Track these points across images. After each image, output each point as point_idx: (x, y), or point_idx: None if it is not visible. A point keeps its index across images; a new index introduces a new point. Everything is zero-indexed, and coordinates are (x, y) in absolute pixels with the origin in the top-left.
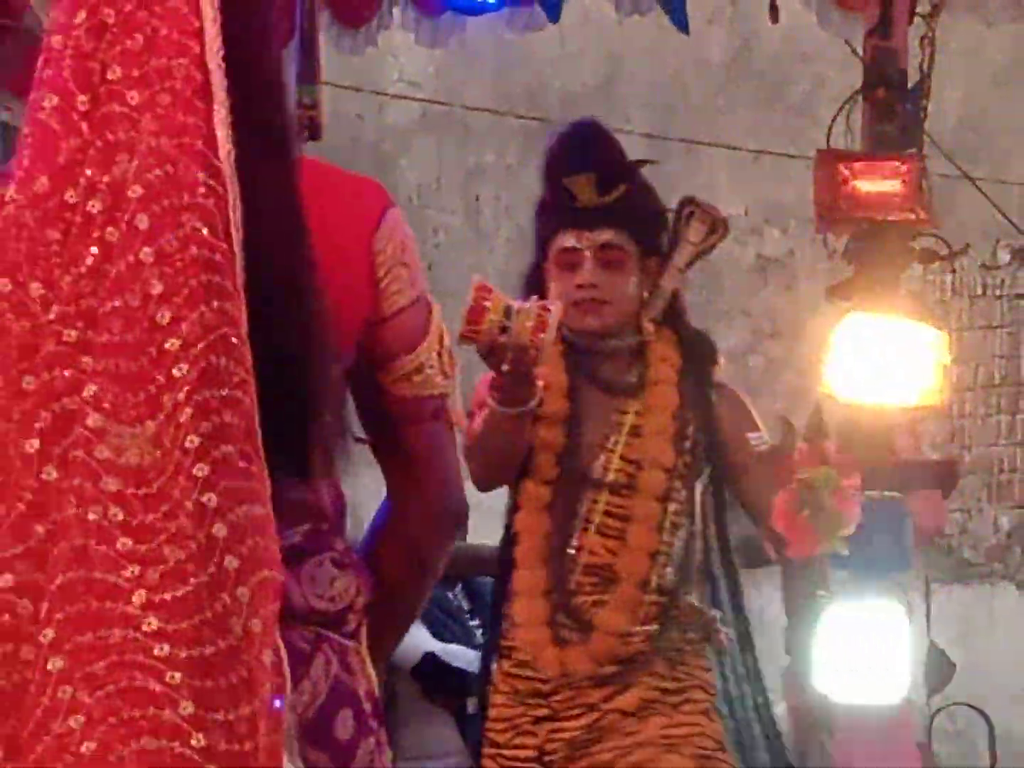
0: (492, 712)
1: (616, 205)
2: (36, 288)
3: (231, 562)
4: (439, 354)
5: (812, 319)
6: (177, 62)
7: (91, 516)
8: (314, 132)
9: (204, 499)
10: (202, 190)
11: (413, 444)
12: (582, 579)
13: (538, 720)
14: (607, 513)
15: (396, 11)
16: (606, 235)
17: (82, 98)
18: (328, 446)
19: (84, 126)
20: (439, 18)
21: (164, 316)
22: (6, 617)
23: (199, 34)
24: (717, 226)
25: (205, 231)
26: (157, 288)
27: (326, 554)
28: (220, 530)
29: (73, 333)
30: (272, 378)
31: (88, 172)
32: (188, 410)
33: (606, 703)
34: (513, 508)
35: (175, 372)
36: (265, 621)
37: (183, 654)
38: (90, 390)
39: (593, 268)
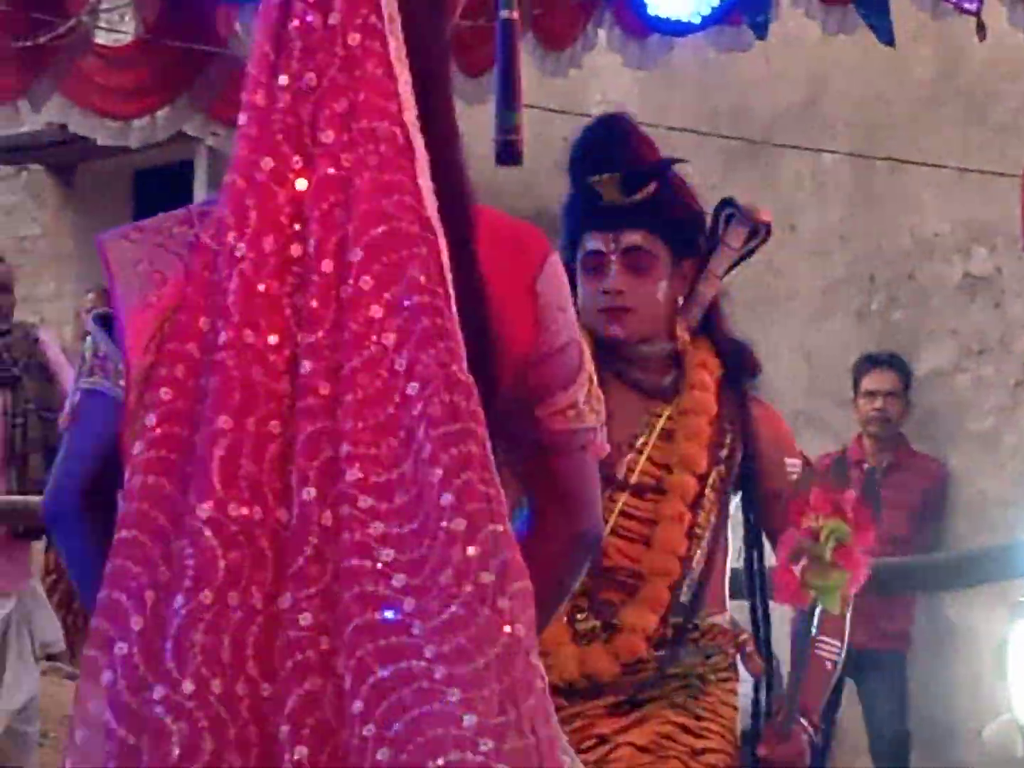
0: None
1: (644, 205)
2: (273, 339)
3: (486, 577)
4: (589, 391)
5: (1020, 337)
6: (380, 124)
7: (366, 563)
8: (515, 158)
9: (453, 525)
10: (417, 242)
11: (563, 472)
12: (601, 580)
13: None
14: (624, 514)
15: (601, 32)
16: (632, 237)
17: (296, 159)
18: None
19: (300, 185)
20: (646, 39)
21: (401, 364)
22: (310, 653)
23: (396, 96)
24: (759, 230)
25: (423, 279)
26: (390, 339)
27: None
28: (472, 551)
29: (327, 388)
30: None
31: (315, 232)
32: (429, 446)
33: (619, 735)
34: None
35: (415, 412)
36: (527, 625)
37: (460, 671)
38: (345, 448)
39: (618, 273)
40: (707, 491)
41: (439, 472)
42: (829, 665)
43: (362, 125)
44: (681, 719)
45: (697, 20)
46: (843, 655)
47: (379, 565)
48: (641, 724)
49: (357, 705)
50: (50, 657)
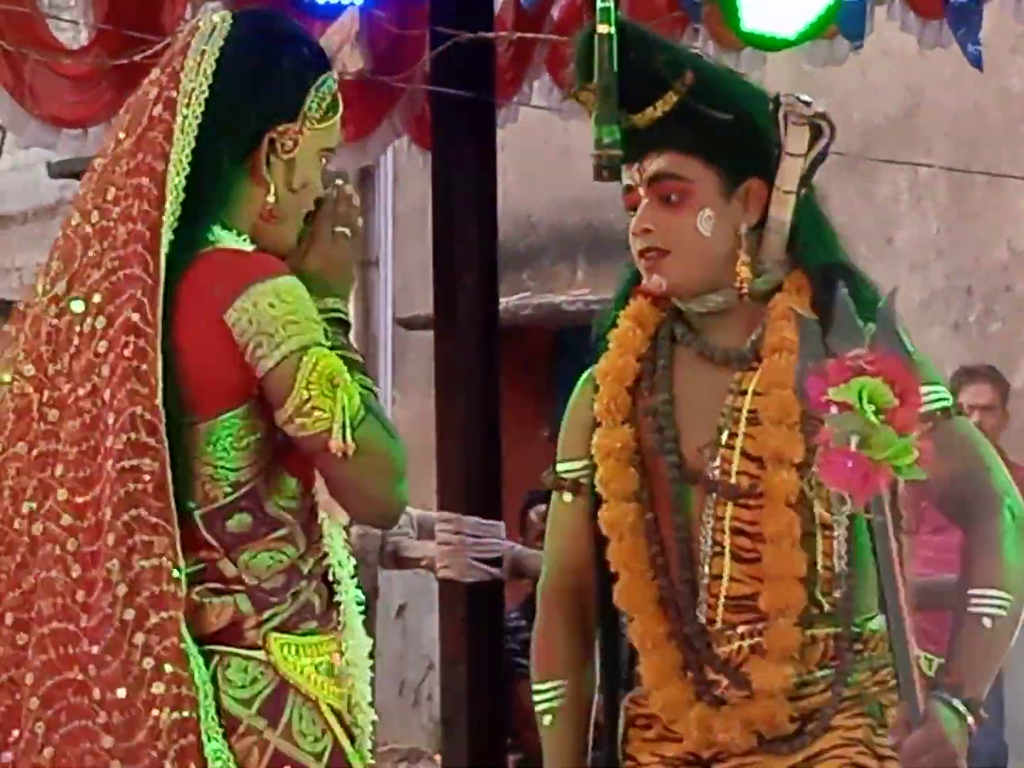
0: None
1: (666, 121)
2: (29, 369)
3: (129, 613)
4: (309, 400)
5: None
6: (143, 180)
7: (61, 576)
8: (614, 173)
9: (110, 564)
10: (139, 286)
11: (322, 471)
12: (729, 616)
13: None
14: (736, 531)
15: (695, 46)
16: (657, 163)
17: (94, 216)
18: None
19: (92, 239)
20: (739, 53)
21: (107, 397)
22: (8, 649)
23: (166, 156)
24: (821, 127)
25: (136, 318)
26: (105, 373)
27: (207, 584)
28: (121, 589)
29: (56, 414)
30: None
31: (77, 276)
32: (114, 475)
33: None
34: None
35: (107, 443)
36: (157, 658)
37: (109, 696)
38: (59, 469)
39: (646, 208)
40: (813, 480)
41: (110, 509)
42: (988, 622)
43: (134, 182)
44: (863, 759)
45: (793, 35)
46: (1013, 608)
47: (69, 580)
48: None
49: (34, 702)
50: None
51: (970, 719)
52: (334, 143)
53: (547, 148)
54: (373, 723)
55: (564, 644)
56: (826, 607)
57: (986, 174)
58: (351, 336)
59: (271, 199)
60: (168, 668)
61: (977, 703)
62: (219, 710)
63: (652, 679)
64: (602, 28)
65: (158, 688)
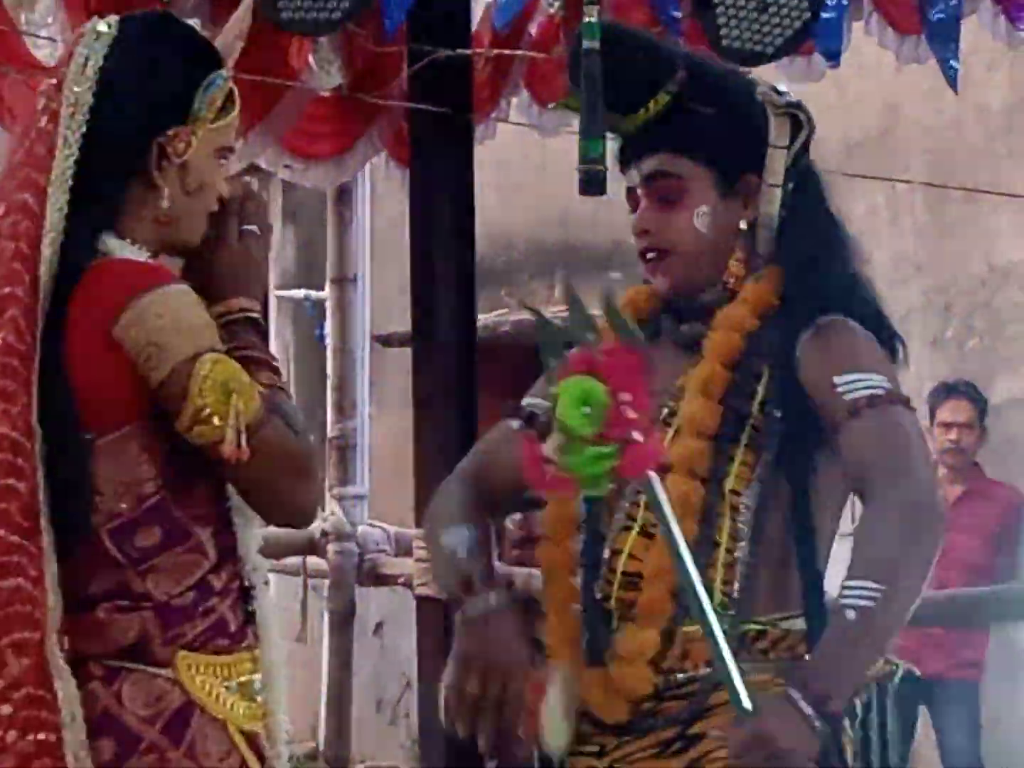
0: None
1: (660, 122)
2: None
3: None
4: (205, 407)
5: None
6: (27, 196)
7: None
8: (599, 187)
9: None
10: (12, 305)
11: (228, 478)
12: (622, 594)
13: None
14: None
15: None
16: (651, 162)
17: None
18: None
19: None
20: None
21: None
22: None
23: (49, 169)
24: (798, 117)
25: (12, 338)
26: None
27: (116, 601)
28: None
29: None
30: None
31: None
32: None
33: None
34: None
35: None
36: (5, 678)
37: None
38: None
39: (645, 209)
40: (729, 456)
41: None
42: (851, 614)
43: (18, 197)
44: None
45: (770, 50)
46: (884, 600)
47: None
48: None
49: None
50: None
51: (817, 722)
52: (232, 142)
53: (525, 165)
54: (288, 732)
55: (461, 500)
56: (717, 595)
57: (964, 189)
58: (331, 353)
59: (165, 204)
60: (22, 690)
61: (831, 698)
62: (121, 727)
63: (550, 643)
64: (587, 44)
65: (6, 710)
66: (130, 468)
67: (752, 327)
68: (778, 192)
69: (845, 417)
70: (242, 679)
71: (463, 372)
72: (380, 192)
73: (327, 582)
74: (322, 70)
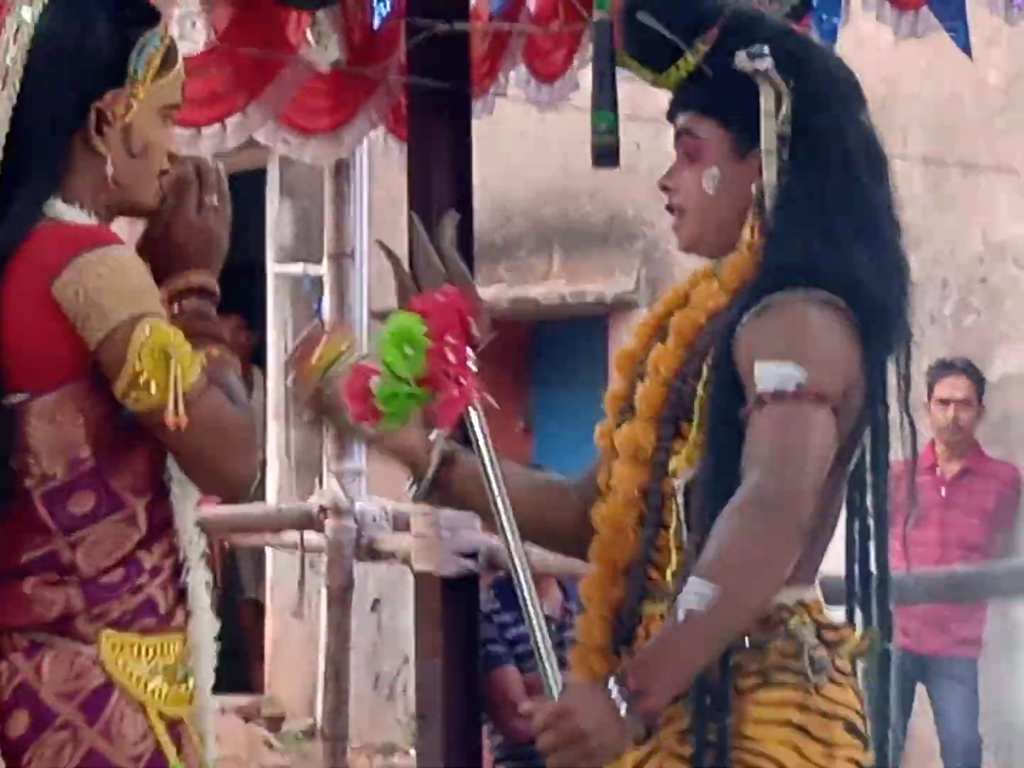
0: None
1: (689, 79)
2: None
3: None
4: (140, 372)
5: None
6: None
7: None
8: (613, 159)
9: None
10: None
11: (167, 445)
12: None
13: None
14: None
15: None
16: (680, 120)
17: None
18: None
19: None
20: None
21: None
22: None
23: None
24: (776, 87)
25: None
26: None
27: (43, 575)
28: None
29: None
30: None
31: None
32: None
33: None
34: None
35: None
36: None
37: None
38: None
39: (674, 165)
40: (679, 436)
41: None
42: (681, 614)
43: None
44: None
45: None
46: (712, 600)
47: None
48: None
49: None
50: None
51: (624, 714)
52: (177, 99)
53: (523, 139)
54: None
55: None
56: (668, 578)
57: (962, 165)
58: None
59: (109, 169)
60: None
61: (646, 695)
62: (37, 701)
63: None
64: (598, 15)
65: None
66: (65, 431)
67: (718, 304)
68: (773, 160)
69: (753, 407)
70: (168, 662)
71: None
72: (377, 167)
73: (325, 557)
74: (320, 45)
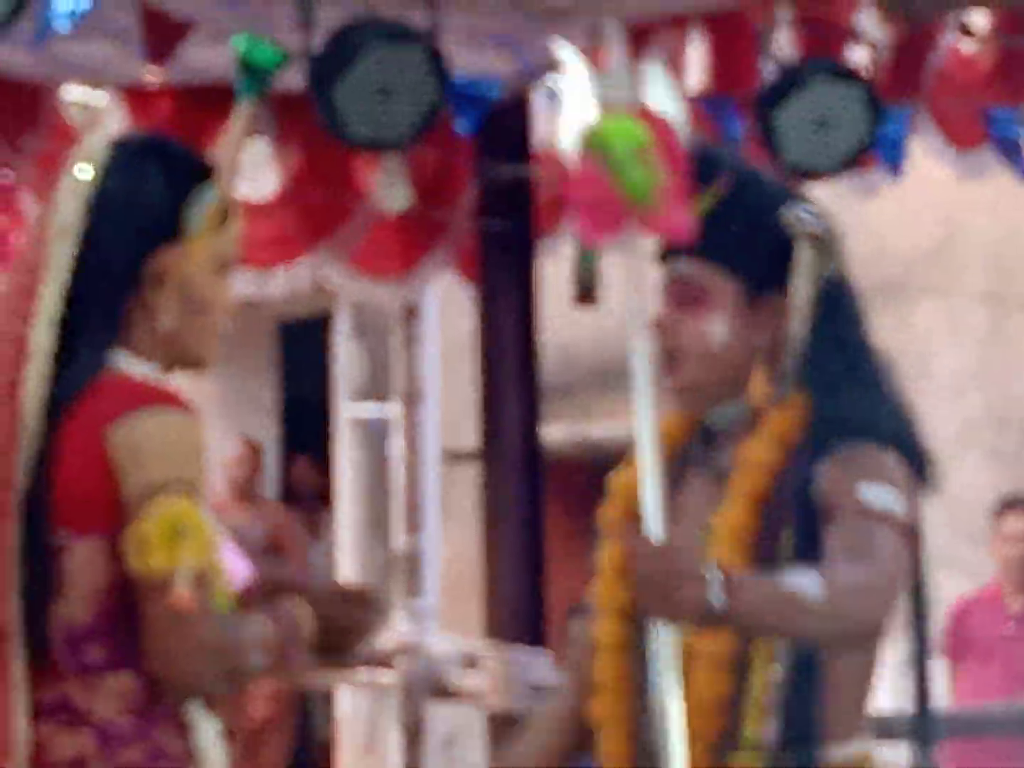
0: None
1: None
2: None
3: None
4: (148, 535)
5: None
6: (17, 324)
7: None
8: (591, 297)
9: None
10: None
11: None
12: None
13: None
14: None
15: None
16: (680, 266)
17: None
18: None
19: None
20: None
21: None
22: None
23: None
24: (829, 243)
25: None
26: None
27: (57, 717)
28: None
29: None
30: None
31: None
32: None
33: None
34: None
35: None
36: None
37: None
38: None
39: (666, 306)
40: None
41: None
42: (792, 585)
43: (7, 328)
44: None
45: (830, 165)
46: (816, 600)
47: None
48: None
49: None
50: None
51: (715, 583)
52: (234, 253)
53: None
54: None
55: None
56: (749, 734)
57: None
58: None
59: (164, 325)
60: None
61: (732, 593)
62: None
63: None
64: None
65: None
66: (97, 578)
67: (778, 464)
68: (802, 316)
69: (849, 510)
70: None
71: (529, 485)
72: (446, 309)
73: (396, 695)
74: (388, 188)
